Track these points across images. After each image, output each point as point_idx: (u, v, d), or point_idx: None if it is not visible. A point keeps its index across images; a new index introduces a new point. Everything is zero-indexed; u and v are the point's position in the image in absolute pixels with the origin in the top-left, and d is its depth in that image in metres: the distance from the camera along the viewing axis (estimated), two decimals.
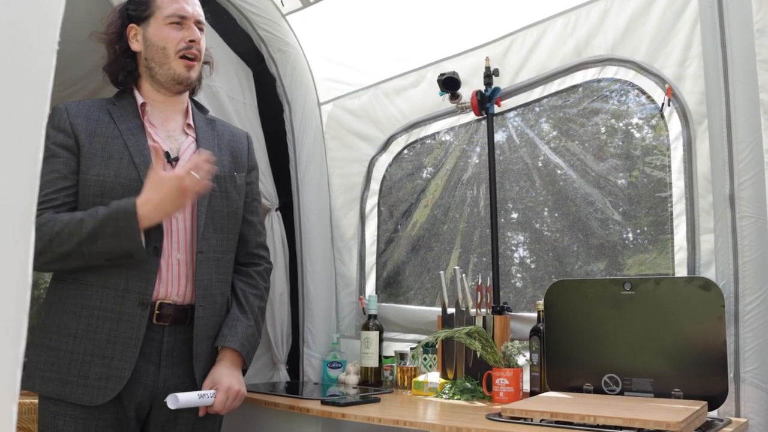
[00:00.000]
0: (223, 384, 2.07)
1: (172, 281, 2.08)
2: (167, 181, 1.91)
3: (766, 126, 2.19)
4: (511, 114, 2.94)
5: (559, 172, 2.80)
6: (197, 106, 2.34)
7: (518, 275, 2.97)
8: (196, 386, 2.09)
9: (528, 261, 2.99)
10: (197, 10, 2.21)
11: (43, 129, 0.59)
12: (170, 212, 1.98)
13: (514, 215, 2.99)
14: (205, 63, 2.31)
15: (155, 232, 2.03)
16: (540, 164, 2.87)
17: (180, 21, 2.14)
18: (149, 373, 2.04)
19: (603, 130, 2.74)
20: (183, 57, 2.14)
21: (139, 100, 2.17)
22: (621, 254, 2.65)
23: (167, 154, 2.12)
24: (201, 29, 2.21)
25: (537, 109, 2.89)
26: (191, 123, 2.24)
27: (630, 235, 2.68)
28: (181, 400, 1.94)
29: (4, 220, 0.53)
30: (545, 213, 2.94)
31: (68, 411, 1.97)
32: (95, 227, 1.90)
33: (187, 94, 2.27)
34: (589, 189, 2.69)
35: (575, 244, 2.76)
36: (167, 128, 2.19)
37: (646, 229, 2.61)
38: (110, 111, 2.13)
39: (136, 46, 2.16)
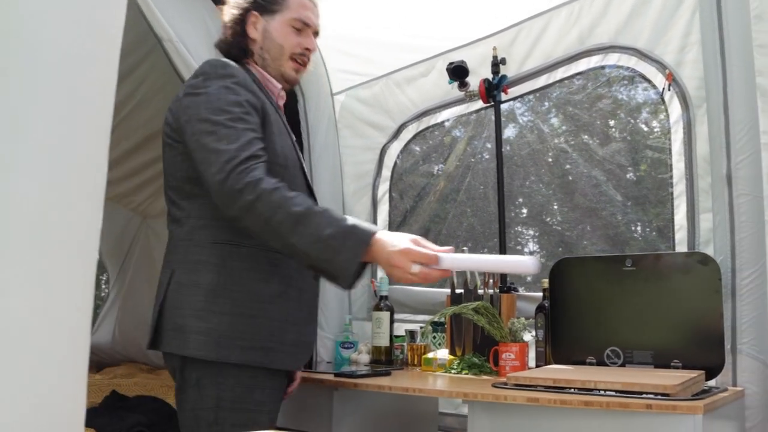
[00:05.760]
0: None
1: None
2: (409, 253, 1.72)
3: (763, 108, 2.27)
4: (521, 109, 3.04)
5: (566, 163, 2.90)
6: None
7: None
8: None
9: (536, 249, 3.09)
10: (319, 23, 2.23)
11: (107, 136, 0.67)
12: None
13: (525, 210, 3.09)
14: None
15: None
16: (548, 153, 2.97)
17: (302, 27, 2.15)
18: None
19: (606, 115, 2.84)
20: (294, 60, 2.15)
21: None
22: (627, 236, 2.74)
23: None
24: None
25: (547, 104, 2.99)
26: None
27: (634, 216, 2.77)
28: None
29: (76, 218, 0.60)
30: (555, 205, 3.04)
31: (266, 382, 1.96)
32: (324, 226, 1.74)
33: None
34: (594, 173, 2.79)
35: (579, 227, 2.86)
36: None
37: (649, 210, 2.70)
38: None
39: (253, 33, 2.13)
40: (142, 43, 3.37)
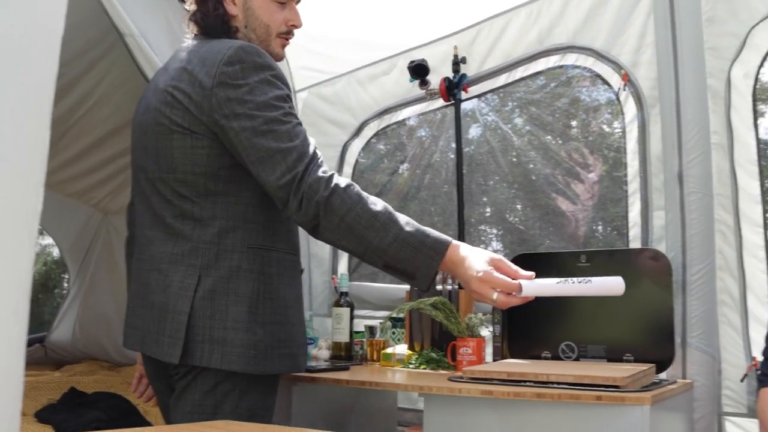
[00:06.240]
0: None
1: None
2: (489, 280, 1.68)
3: (714, 108, 2.35)
4: (485, 109, 3.08)
5: (530, 162, 2.94)
6: None
7: None
8: None
9: (499, 248, 3.13)
10: None
11: (47, 137, 0.66)
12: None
13: (489, 209, 3.12)
14: None
15: None
16: (511, 152, 3.01)
17: (286, 0, 1.99)
18: None
19: (568, 115, 2.89)
20: (281, 37, 2.01)
21: None
22: (589, 235, 2.79)
23: None
24: None
25: (510, 104, 3.04)
26: None
27: (595, 215, 2.82)
28: None
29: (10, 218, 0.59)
30: (518, 204, 3.08)
31: (275, 386, 1.93)
32: (402, 225, 1.71)
33: None
34: (556, 172, 2.84)
35: (541, 225, 2.90)
36: None
37: (609, 209, 2.75)
38: None
39: (233, 9, 1.94)
40: (103, 39, 3.35)
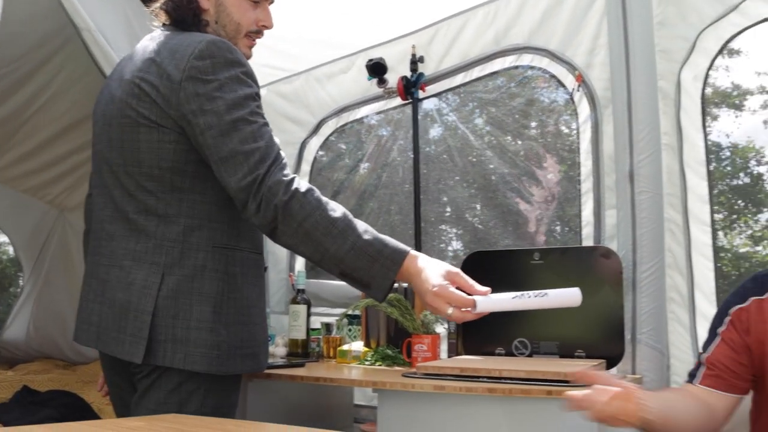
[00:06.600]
0: None
1: None
2: (443, 295, 1.65)
3: (664, 110, 2.40)
4: (445, 109, 3.11)
5: (489, 162, 2.98)
6: None
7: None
8: None
9: (459, 247, 3.15)
10: None
11: None
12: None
13: (449, 209, 3.15)
14: None
15: None
16: (471, 153, 3.04)
17: (259, 0, 1.97)
18: None
19: (528, 116, 2.93)
20: (249, 37, 1.97)
21: None
22: (548, 235, 2.83)
23: None
24: None
25: (471, 104, 3.07)
26: None
27: (554, 214, 2.86)
28: None
29: None
30: (477, 204, 3.11)
31: (239, 384, 1.92)
32: (360, 233, 1.69)
33: None
34: (515, 172, 2.88)
35: (499, 224, 2.94)
36: None
37: (567, 209, 2.79)
38: None
39: (205, 3, 1.90)
40: (59, 33, 3.31)
